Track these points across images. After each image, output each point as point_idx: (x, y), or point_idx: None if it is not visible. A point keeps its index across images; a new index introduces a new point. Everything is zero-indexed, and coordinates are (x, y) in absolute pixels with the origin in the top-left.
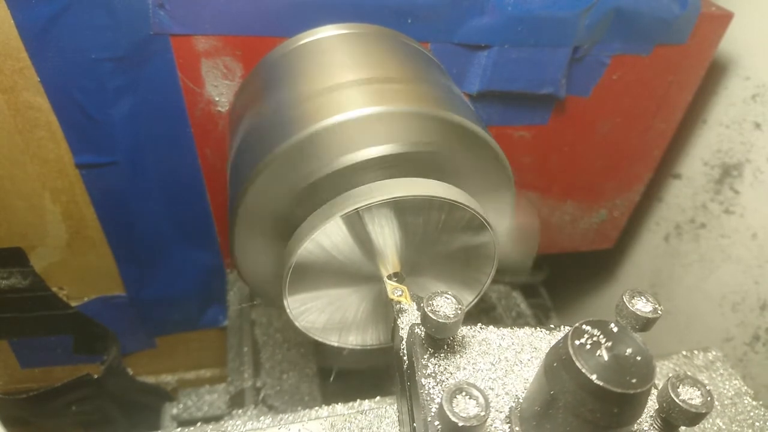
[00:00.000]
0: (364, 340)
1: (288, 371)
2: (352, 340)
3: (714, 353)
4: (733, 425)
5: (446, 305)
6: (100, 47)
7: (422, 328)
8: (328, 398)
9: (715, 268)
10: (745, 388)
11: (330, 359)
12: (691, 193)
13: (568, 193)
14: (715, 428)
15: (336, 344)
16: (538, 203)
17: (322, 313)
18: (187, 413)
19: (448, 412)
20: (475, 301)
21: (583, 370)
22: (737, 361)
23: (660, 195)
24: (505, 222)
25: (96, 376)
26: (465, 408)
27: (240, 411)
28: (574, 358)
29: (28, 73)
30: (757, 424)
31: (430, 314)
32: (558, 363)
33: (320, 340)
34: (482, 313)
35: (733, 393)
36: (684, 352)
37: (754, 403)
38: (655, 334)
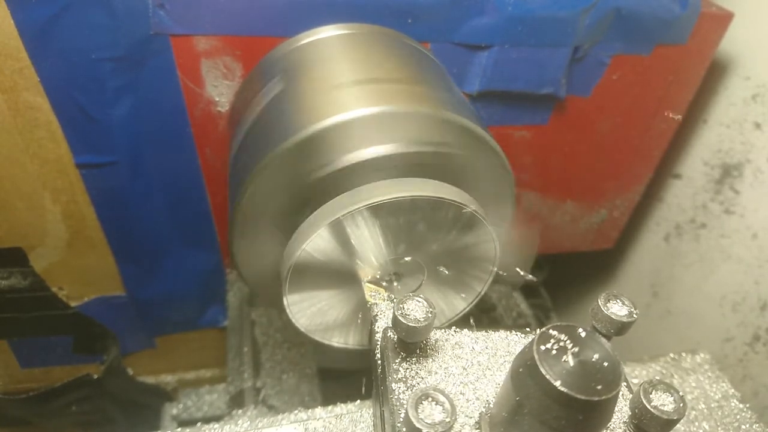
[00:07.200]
0: (347, 340)
1: (288, 371)
2: (337, 340)
3: (702, 356)
4: (719, 428)
5: (417, 309)
6: (100, 47)
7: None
8: (329, 398)
9: (715, 268)
10: (732, 390)
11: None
12: (691, 193)
13: (568, 193)
14: (701, 431)
15: (330, 344)
16: (538, 203)
17: (317, 313)
18: (187, 413)
19: (412, 419)
20: (475, 302)
21: (547, 376)
22: (737, 361)
23: (660, 195)
24: (505, 223)
25: (96, 376)
26: (430, 414)
27: (240, 411)
28: (538, 364)
29: (28, 73)
30: (744, 427)
31: (401, 318)
32: (523, 368)
33: (317, 339)
34: (482, 313)
35: (720, 396)
36: (672, 355)
37: (741, 405)
38: (655, 334)
